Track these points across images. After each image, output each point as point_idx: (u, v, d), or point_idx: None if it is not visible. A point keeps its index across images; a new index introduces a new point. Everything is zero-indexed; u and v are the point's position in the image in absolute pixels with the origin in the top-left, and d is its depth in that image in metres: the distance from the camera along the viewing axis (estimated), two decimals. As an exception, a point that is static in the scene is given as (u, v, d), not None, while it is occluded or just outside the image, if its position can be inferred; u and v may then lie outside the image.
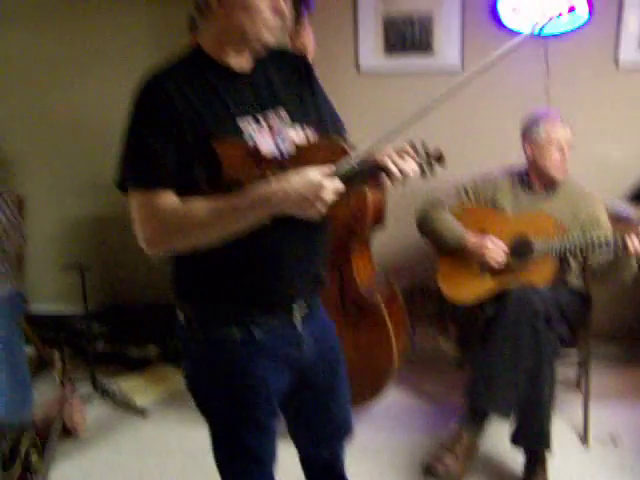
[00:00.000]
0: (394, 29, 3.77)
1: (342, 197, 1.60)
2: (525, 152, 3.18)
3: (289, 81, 1.81)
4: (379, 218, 3.20)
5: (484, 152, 3.77)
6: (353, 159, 1.61)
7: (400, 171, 1.62)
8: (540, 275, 3.00)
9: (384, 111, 3.76)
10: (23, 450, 1.78)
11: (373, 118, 3.67)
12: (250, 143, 1.65)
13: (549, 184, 3.18)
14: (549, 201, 3.16)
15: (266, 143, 1.67)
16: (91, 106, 4.09)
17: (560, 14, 2.82)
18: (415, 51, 3.78)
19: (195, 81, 1.66)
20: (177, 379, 3.78)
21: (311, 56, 3.02)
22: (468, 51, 3.76)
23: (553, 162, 3.09)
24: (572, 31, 3.60)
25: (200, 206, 1.60)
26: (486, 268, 3.08)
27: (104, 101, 4.03)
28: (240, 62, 1.72)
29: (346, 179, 1.59)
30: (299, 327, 1.83)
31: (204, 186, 1.62)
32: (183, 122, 1.60)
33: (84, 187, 4.24)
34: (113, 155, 4.27)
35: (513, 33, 3.71)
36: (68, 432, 1.83)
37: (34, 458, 1.78)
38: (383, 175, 1.63)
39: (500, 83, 3.72)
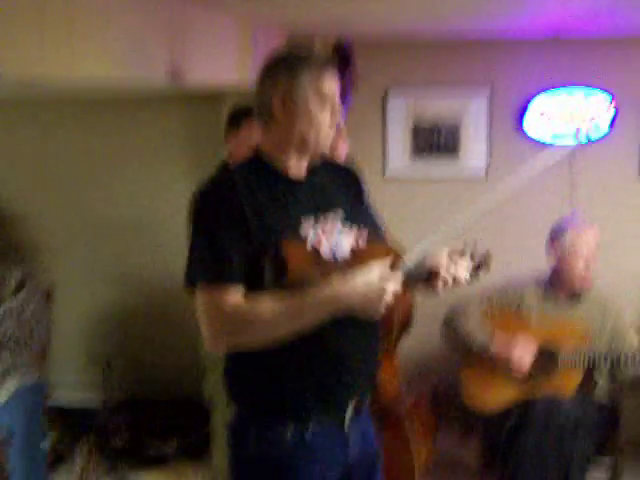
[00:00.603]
0: (422, 135, 3.86)
1: (395, 299, 1.68)
2: (551, 257, 3.19)
3: (340, 189, 1.91)
4: (407, 322, 3.18)
5: (510, 258, 3.78)
6: (409, 263, 1.69)
7: (452, 277, 1.73)
8: (566, 385, 2.95)
9: (408, 216, 3.80)
10: None
11: (397, 222, 3.72)
12: (310, 245, 1.72)
13: (574, 292, 3.17)
14: (574, 309, 3.15)
15: (324, 245, 1.75)
16: (125, 201, 4.20)
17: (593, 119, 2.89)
18: (441, 157, 3.85)
19: (258, 184, 1.74)
20: (196, 476, 3.72)
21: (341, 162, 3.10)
22: (494, 158, 3.82)
23: (578, 271, 3.09)
24: (596, 140, 3.66)
25: (265, 304, 1.65)
26: (511, 376, 3.03)
27: (137, 197, 4.14)
28: (297, 168, 1.81)
29: (402, 281, 1.67)
30: (347, 427, 1.84)
31: (268, 284, 1.67)
32: (250, 224, 1.67)
33: (113, 280, 4.30)
34: (142, 250, 4.37)
35: (538, 142, 3.79)
36: None
37: None
38: (435, 279, 1.74)
39: (525, 190, 3.76)
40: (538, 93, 3.74)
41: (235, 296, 1.67)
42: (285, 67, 1.75)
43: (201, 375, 3.26)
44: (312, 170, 1.84)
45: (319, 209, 1.79)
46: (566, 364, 2.95)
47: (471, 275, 1.78)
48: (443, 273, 1.73)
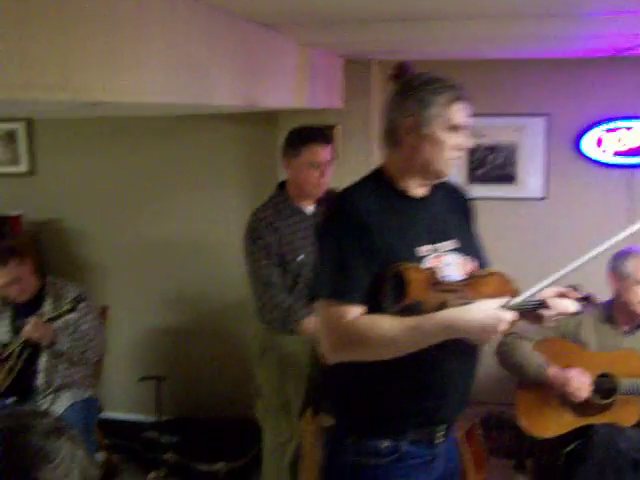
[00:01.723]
0: (478, 156, 3.82)
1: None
2: (611, 286, 3.12)
3: (455, 213, 1.96)
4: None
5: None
6: (525, 295, 1.77)
7: (561, 308, 1.80)
8: (625, 415, 2.88)
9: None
10: None
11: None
12: (429, 270, 1.78)
13: (634, 320, 3.09)
14: (634, 338, 3.07)
15: (441, 272, 1.80)
16: (180, 221, 4.24)
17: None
18: (497, 179, 3.82)
19: (383, 205, 1.81)
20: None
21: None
22: (552, 181, 3.77)
23: (638, 298, 3.02)
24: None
25: (385, 323, 1.71)
26: (567, 403, 2.97)
27: (192, 216, 4.18)
28: (419, 191, 1.86)
29: (519, 310, 1.75)
30: (437, 444, 1.89)
31: (387, 305, 1.73)
32: (375, 245, 1.75)
33: (167, 299, 4.35)
34: (197, 269, 4.38)
35: (597, 164, 3.73)
36: None
37: None
38: (545, 311, 1.80)
39: (583, 214, 3.71)
40: (597, 121, 3.71)
41: (356, 312, 1.73)
42: (416, 96, 1.79)
43: (253, 396, 3.27)
44: (432, 193, 1.89)
45: (437, 235, 1.86)
46: (626, 393, 2.88)
47: (577, 306, 1.86)
48: (553, 306, 1.80)
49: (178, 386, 4.21)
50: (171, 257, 4.28)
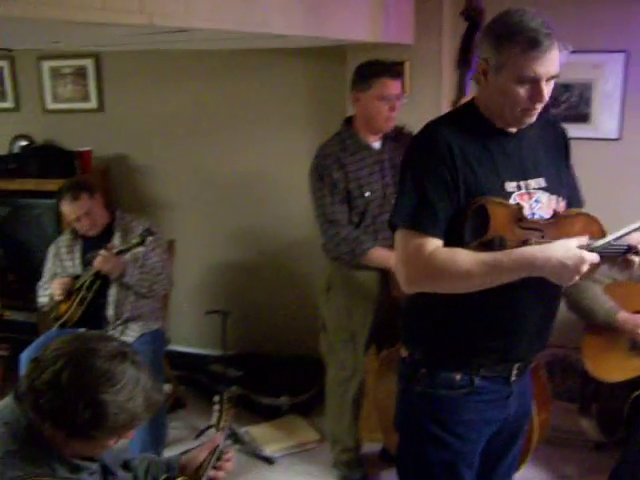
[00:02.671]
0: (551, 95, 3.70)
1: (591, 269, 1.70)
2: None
3: (549, 150, 1.91)
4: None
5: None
6: (609, 238, 1.71)
7: None
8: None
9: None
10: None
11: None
12: (514, 206, 1.75)
13: None
14: None
15: (526, 207, 1.77)
16: (245, 158, 4.24)
17: None
18: (571, 119, 3.69)
19: (471, 138, 1.78)
20: (306, 431, 3.78)
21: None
22: (628, 121, 3.64)
23: None
24: None
25: (464, 257, 1.70)
26: (636, 348, 2.92)
27: (258, 154, 4.17)
28: (508, 126, 1.81)
29: (599, 254, 1.70)
30: (513, 382, 1.89)
31: (468, 239, 1.72)
32: (459, 178, 1.73)
33: (232, 235, 4.38)
34: (262, 206, 4.40)
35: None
36: (214, 477, 1.87)
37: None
38: (632, 256, 1.76)
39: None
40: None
41: (435, 244, 1.72)
42: (490, 40, 1.74)
43: (318, 332, 3.29)
44: (525, 130, 1.84)
45: (526, 172, 1.82)
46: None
47: None
48: None
49: (243, 321, 4.26)
50: (237, 192, 4.29)
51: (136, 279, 3.36)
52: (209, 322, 3.92)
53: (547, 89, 1.73)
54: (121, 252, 3.31)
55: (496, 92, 1.74)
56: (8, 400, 1.58)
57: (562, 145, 1.96)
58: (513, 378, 1.89)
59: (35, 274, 3.68)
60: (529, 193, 1.80)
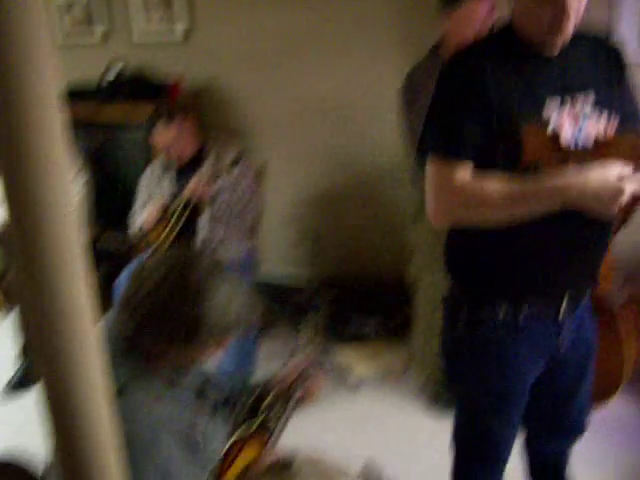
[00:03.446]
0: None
1: (636, 200, 1.59)
2: None
3: (599, 67, 1.76)
4: (629, 215, 2.99)
5: None
6: None
7: None
8: None
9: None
10: (263, 407, 1.88)
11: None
12: (551, 130, 1.64)
13: None
14: None
15: (566, 131, 1.65)
16: (335, 84, 4.18)
17: None
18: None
19: (506, 59, 1.66)
20: (396, 355, 3.81)
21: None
22: None
23: None
24: None
25: (494, 186, 1.62)
26: None
27: (348, 79, 4.11)
28: (550, 44, 1.67)
29: None
30: (562, 319, 1.81)
31: (501, 167, 1.63)
32: (492, 102, 1.62)
33: (321, 161, 4.37)
34: (351, 133, 4.35)
35: None
36: (302, 398, 1.93)
37: (272, 417, 1.88)
38: None
39: None
40: None
41: (464, 173, 1.64)
42: None
43: (407, 256, 3.29)
44: (569, 46, 1.69)
45: (568, 89, 1.68)
46: None
47: None
48: None
49: (332, 246, 4.29)
50: (327, 119, 4.25)
51: (226, 205, 3.40)
52: (299, 247, 3.96)
53: (574, 2, 1.56)
54: (211, 179, 3.36)
55: (527, 5, 1.61)
56: (107, 317, 1.65)
57: (616, 64, 1.78)
58: (561, 314, 1.80)
59: (127, 203, 3.78)
60: (574, 111, 1.66)
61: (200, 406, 1.66)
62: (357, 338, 4.00)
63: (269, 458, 1.54)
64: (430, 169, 1.70)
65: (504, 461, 2.01)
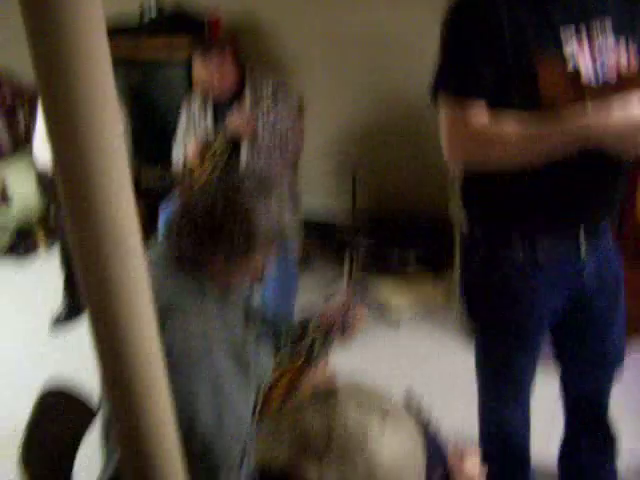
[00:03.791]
0: None
1: None
2: None
3: None
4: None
5: None
6: None
7: None
8: None
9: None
10: (308, 340, 1.92)
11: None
12: (570, 64, 1.56)
13: None
14: None
15: (587, 67, 1.57)
16: (376, 17, 4.10)
17: None
18: None
19: None
20: (434, 292, 3.83)
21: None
22: None
23: None
24: None
25: (511, 126, 1.56)
26: None
27: (388, 11, 4.03)
28: None
29: None
30: (583, 254, 1.78)
31: (517, 105, 1.57)
32: (506, 36, 1.54)
33: (362, 96, 4.32)
34: (392, 67, 4.29)
35: None
36: (343, 333, 1.97)
37: (314, 348, 1.92)
38: None
39: None
40: None
41: (479, 112, 1.59)
42: None
43: (448, 194, 3.27)
44: None
45: (585, 16, 1.58)
46: None
47: None
48: None
49: (373, 181, 4.28)
50: (368, 52, 4.19)
51: (267, 139, 3.40)
52: (339, 183, 3.95)
53: None
54: (252, 113, 3.35)
55: None
56: (154, 245, 1.70)
57: None
58: (582, 250, 1.76)
59: (168, 137, 3.79)
60: (594, 42, 1.57)
61: (248, 328, 1.70)
62: (397, 273, 4.02)
63: (312, 386, 1.58)
64: (443, 108, 1.65)
65: (526, 388, 2.03)
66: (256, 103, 3.41)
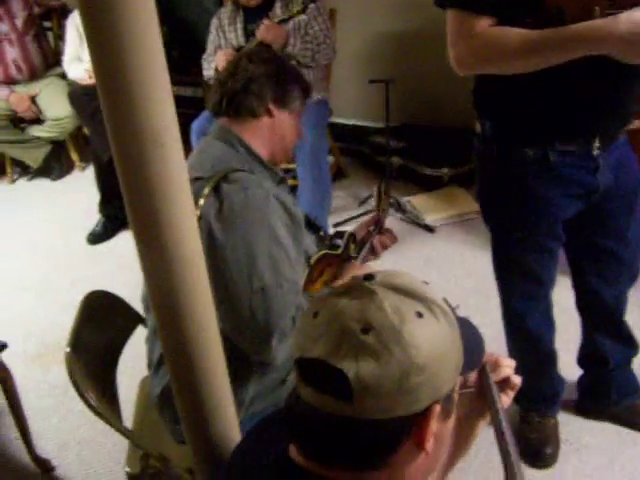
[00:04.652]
0: None
1: None
2: None
3: None
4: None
5: None
6: None
7: None
8: None
9: None
10: (345, 240, 1.95)
11: None
12: None
13: None
14: None
15: None
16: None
17: None
18: None
19: None
20: (467, 202, 3.81)
21: None
22: None
23: None
24: None
25: (516, 34, 1.54)
26: None
27: None
28: None
29: None
30: (596, 156, 1.77)
31: (523, 14, 1.54)
32: None
33: (394, 3, 4.20)
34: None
35: None
36: (376, 248, 2.01)
37: (351, 251, 1.95)
38: None
39: None
40: None
41: (485, 22, 1.57)
42: None
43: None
44: None
45: None
46: None
47: None
48: None
49: (405, 92, 4.19)
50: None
51: (298, 48, 3.34)
52: (372, 93, 3.89)
53: None
54: (283, 21, 3.29)
55: None
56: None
57: None
58: (595, 152, 1.75)
59: (199, 49, 3.74)
60: None
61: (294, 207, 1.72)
62: (431, 184, 4.00)
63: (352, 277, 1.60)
64: (450, 19, 1.64)
65: (544, 286, 2.05)
66: (287, 9, 3.34)
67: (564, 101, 1.67)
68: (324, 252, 1.82)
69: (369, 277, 0.91)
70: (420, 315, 0.87)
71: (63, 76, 4.28)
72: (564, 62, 1.53)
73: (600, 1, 1.50)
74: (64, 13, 4.44)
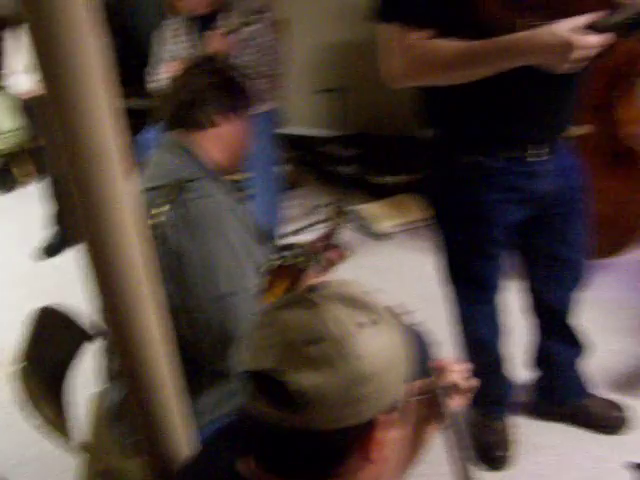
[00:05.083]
0: None
1: (611, 46, 1.50)
2: None
3: None
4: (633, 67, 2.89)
5: None
6: (628, 9, 1.47)
7: None
8: None
9: None
10: (295, 252, 1.96)
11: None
12: None
13: None
14: None
15: None
16: None
17: None
18: None
19: None
20: (417, 210, 3.84)
21: None
22: None
23: None
24: None
25: (447, 47, 1.59)
26: None
27: None
28: None
29: (617, 29, 1.47)
30: (532, 162, 1.82)
31: (454, 27, 1.59)
32: None
33: (344, 12, 4.22)
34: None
35: None
36: (328, 262, 2.04)
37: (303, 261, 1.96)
38: None
39: None
40: None
41: (417, 36, 1.62)
42: None
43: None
44: None
45: None
46: None
47: None
48: None
49: (358, 101, 4.18)
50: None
51: (247, 59, 3.32)
52: (325, 102, 3.90)
53: None
54: (231, 32, 3.27)
55: None
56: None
57: None
58: (530, 159, 1.81)
59: (142, 60, 3.71)
60: None
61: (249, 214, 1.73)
62: (382, 192, 4.03)
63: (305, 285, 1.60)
64: (382, 33, 1.68)
65: (491, 291, 2.10)
66: (235, 20, 3.32)
67: (497, 109, 1.73)
68: (276, 263, 1.82)
69: (313, 289, 0.92)
70: (362, 325, 0.88)
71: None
72: (497, 73, 1.58)
73: (528, 14, 1.56)
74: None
